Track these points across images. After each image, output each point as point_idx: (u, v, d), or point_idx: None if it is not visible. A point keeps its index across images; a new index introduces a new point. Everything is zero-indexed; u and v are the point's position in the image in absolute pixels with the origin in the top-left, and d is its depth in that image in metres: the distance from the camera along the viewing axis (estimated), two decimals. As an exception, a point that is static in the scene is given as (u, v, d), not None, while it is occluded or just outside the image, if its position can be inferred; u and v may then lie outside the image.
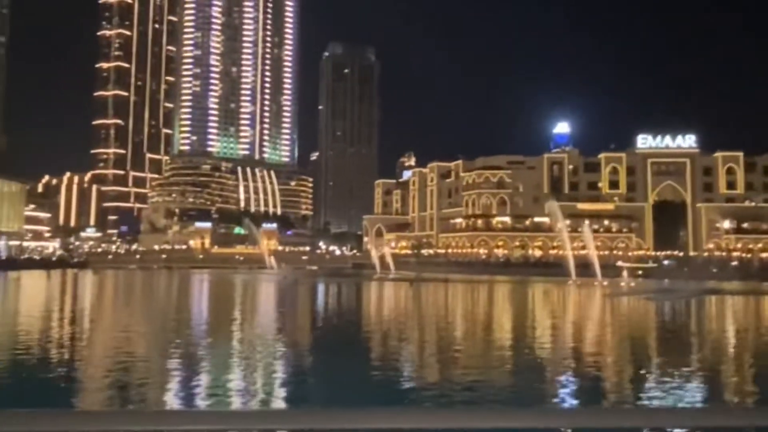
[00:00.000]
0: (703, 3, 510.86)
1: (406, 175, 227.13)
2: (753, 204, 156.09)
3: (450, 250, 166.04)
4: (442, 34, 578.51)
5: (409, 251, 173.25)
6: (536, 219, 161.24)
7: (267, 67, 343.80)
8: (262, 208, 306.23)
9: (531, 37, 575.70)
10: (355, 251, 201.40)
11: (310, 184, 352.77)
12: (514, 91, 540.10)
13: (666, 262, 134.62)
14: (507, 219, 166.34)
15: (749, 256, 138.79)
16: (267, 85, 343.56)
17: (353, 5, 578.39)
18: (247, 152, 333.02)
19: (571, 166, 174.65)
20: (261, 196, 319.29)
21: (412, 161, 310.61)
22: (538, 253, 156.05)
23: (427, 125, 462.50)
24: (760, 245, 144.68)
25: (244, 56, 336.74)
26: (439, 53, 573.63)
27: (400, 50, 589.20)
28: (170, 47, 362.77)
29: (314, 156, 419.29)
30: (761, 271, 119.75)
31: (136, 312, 48.97)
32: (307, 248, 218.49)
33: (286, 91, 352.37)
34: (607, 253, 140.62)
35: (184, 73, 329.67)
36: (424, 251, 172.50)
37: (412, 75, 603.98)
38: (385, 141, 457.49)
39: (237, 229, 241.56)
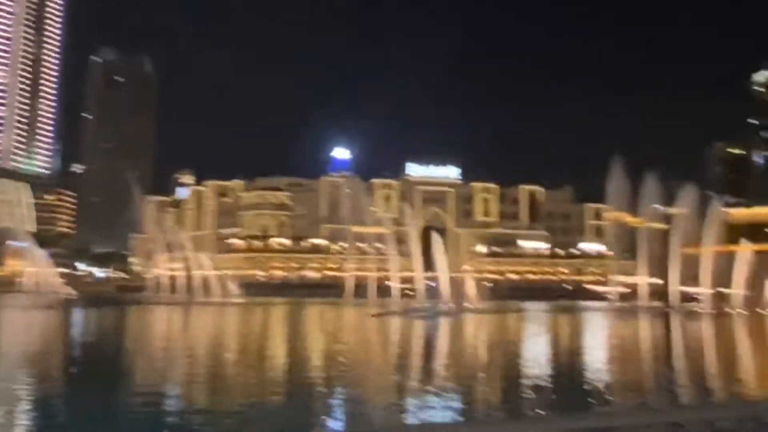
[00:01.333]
0: (473, 45, 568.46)
1: (182, 192, 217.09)
2: (504, 230, 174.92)
3: (226, 272, 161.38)
4: (227, 50, 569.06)
5: (183, 273, 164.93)
6: (314, 240, 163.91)
7: (24, 68, 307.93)
8: (12, 224, 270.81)
9: (315, 62, 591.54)
10: (120, 273, 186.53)
11: (72, 200, 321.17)
12: (298, 112, 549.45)
13: (430, 284, 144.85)
14: (286, 240, 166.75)
15: (500, 277, 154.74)
16: (23, 87, 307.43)
17: (132, 11, 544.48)
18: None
19: (348, 191, 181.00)
20: (10, 210, 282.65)
21: (189, 179, 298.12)
22: (315, 274, 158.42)
23: (207, 142, 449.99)
24: (509, 267, 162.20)
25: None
26: (223, 69, 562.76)
27: (184, 63, 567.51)
28: None
29: (79, 169, 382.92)
30: (510, 291, 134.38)
31: None
32: (66, 270, 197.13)
33: (46, 96, 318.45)
34: (379, 274, 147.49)
35: None
36: (199, 273, 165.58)
37: (194, 90, 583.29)
38: (162, 156, 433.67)
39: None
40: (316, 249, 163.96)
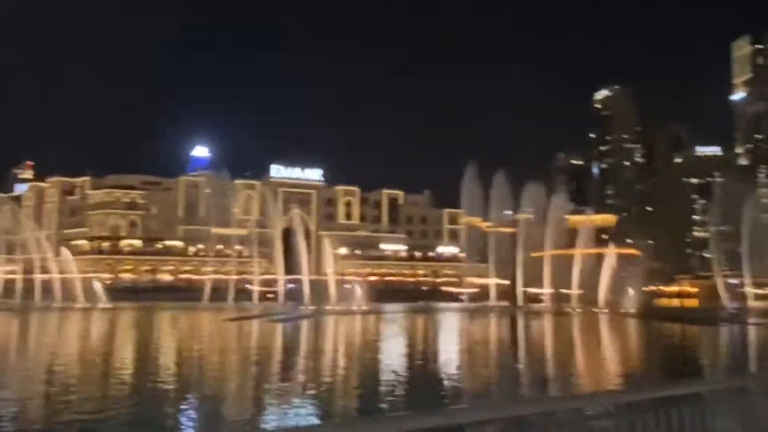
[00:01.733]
0: (337, 48, 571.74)
1: (20, 189, 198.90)
2: (365, 233, 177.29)
3: (70, 276, 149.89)
4: (76, 37, 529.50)
5: (19, 276, 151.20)
6: (169, 242, 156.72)
7: None
8: None
9: (175, 56, 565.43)
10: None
11: None
12: (155, 109, 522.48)
13: (291, 286, 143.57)
14: (137, 242, 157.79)
15: (362, 279, 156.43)
16: None
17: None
18: None
19: (207, 191, 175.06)
20: None
21: (29, 174, 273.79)
22: (169, 277, 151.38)
23: (51, 134, 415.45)
24: (370, 270, 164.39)
25: None
26: (71, 58, 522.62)
27: (23, 46, 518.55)
28: None
29: None
30: (371, 293, 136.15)
31: None
32: None
33: None
34: (239, 277, 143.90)
35: None
36: (38, 276, 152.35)
37: (37, 74, 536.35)
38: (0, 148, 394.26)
39: None
40: (170, 251, 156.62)
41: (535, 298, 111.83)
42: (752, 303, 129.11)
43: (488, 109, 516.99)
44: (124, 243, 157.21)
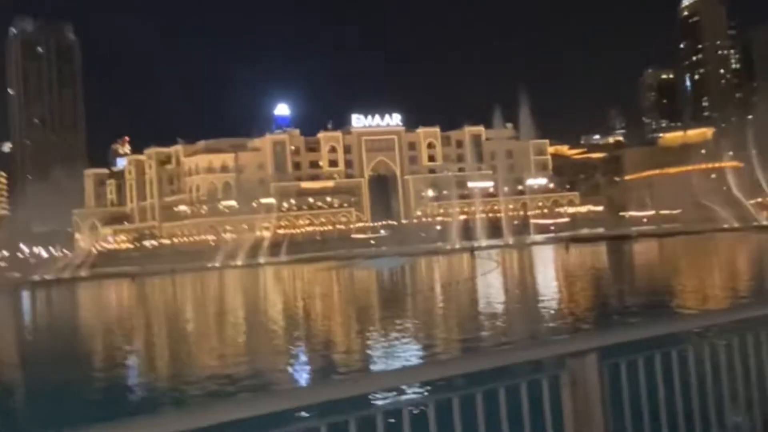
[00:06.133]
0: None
1: (121, 163, 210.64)
2: (449, 173, 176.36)
3: (176, 240, 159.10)
4: (149, 10, 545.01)
5: (130, 245, 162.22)
6: (263, 200, 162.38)
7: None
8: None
9: (246, 17, 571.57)
10: (66, 251, 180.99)
11: (4, 180, 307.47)
12: (233, 72, 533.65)
13: (382, 232, 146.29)
14: (233, 203, 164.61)
15: (449, 219, 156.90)
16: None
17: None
18: None
19: (293, 147, 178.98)
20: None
21: (127, 148, 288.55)
22: (267, 234, 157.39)
23: (141, 109, 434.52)
24: (458, 209, 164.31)
25: None
26: (147, 31, 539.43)
27: (105, 28, 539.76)
28: None
29: (7, 147, 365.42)
30: (463, 231, 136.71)
31: None
32: (5, 253, 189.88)
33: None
34: (330, 228, 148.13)
35: None
36: (147, 243, 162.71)
37: (120, 55, 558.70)
38: (95, 127, 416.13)
39: None
40: (266, 209, 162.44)
41: (636, 221, 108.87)
42: None
43: (561, 32, 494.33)
44: (222, 205, 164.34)
